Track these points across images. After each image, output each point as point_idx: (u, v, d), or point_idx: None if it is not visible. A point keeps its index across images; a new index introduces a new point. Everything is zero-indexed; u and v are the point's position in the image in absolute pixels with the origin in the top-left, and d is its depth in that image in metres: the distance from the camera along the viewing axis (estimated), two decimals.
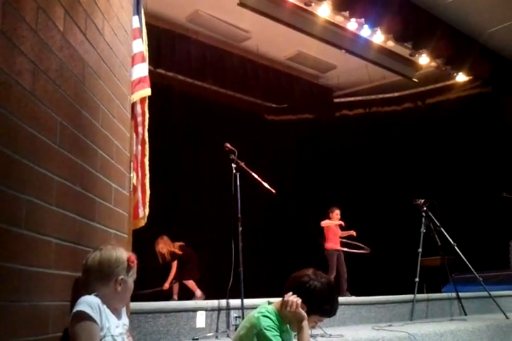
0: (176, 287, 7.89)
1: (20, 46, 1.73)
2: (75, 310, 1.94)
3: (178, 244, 7.85)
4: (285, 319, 2.37)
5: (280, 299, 2.43)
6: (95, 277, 2.07)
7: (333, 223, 7.57)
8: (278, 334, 2.27)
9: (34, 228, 1.78)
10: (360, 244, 7.68)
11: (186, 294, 7.64)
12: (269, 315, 2.31)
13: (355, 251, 7.66)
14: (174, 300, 7.56)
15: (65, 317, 1.98)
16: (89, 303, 1.96)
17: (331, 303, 2.38)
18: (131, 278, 2.17)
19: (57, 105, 2.00)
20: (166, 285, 7.73)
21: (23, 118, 1.73)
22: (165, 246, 7.75)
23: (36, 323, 1.80)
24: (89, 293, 2.02)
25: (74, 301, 2.01)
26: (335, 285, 2.57)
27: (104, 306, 2.02)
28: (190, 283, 7.77)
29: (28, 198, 1.74)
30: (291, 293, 2.34)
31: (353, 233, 7.61)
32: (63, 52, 2.07)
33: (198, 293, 7.65)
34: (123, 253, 2.15)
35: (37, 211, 1.81)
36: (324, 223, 7.58)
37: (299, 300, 2.32)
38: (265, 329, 2.24)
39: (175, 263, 7.78)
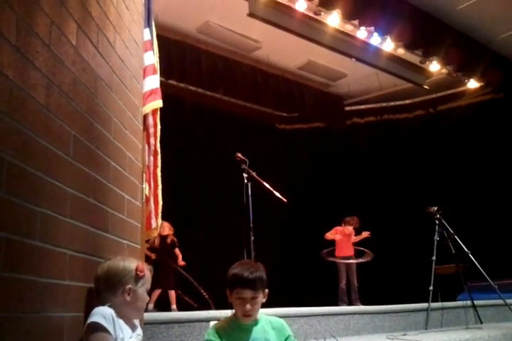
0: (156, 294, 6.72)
1: (34, 61, 1.76)
2: (89, 321, 1.95)
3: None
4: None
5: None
6: (104, 287, 2.08)
7: (332, 236, 7.51)
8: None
9: (48, 240, 1.80)
10: (364, 249, 7.57)
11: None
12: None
13: (356, 261, 7.44)
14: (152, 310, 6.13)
15: (79, 329, 1.99)
16: (103, 314, 1.97)
17: (232, 276, 2.47)
18: (141, 288, 2.15)
19: (71, 118, 2.03)
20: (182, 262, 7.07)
21: (36, 132, 1.75)
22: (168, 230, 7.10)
23: (51, 334, 1.81)
24: (102, 304, 2.03)
25: (88, 312, 2.02)
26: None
27: (118, 317, 2.03)
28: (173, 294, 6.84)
29: (42, 210, 1.76)
30: None
31: (366, 234, 7.47)
32: (76, 66, 2.11)
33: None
34: (131, 263, 2.15)
35: (51, 223, 1.83)
36: (327, 236, 7.55)
37: None
38: None
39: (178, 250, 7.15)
